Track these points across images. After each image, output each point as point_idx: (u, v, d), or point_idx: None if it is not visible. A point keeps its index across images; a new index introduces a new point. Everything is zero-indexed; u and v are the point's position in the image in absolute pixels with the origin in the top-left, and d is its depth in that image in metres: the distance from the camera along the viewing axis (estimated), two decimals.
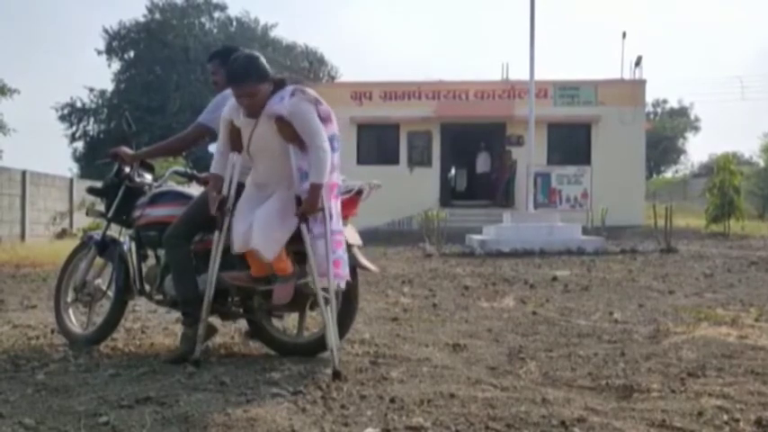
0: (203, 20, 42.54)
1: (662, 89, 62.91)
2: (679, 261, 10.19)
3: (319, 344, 3.81)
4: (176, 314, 4.78)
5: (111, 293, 4.24)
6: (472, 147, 22.27)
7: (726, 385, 3.21)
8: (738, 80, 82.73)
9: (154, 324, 4.92)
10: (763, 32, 79.58)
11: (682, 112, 47.97)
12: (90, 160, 33.24)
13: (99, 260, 4.35)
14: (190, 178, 4.43)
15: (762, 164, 29.30)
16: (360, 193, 3.82)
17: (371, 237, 14.11)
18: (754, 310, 5.42)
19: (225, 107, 3.65)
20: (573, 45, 76.66)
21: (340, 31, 72.82)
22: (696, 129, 47.74)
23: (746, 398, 3.01)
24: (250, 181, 3.67)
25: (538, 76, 15.50)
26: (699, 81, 79.94)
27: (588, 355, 3.88)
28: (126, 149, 4.20)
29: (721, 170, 18.19)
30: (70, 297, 4.39)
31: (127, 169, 4.21)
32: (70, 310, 4.41)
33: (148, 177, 4.32)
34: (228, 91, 3.95)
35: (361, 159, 21.44)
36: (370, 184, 3.83)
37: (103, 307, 4.33)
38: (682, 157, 47.59)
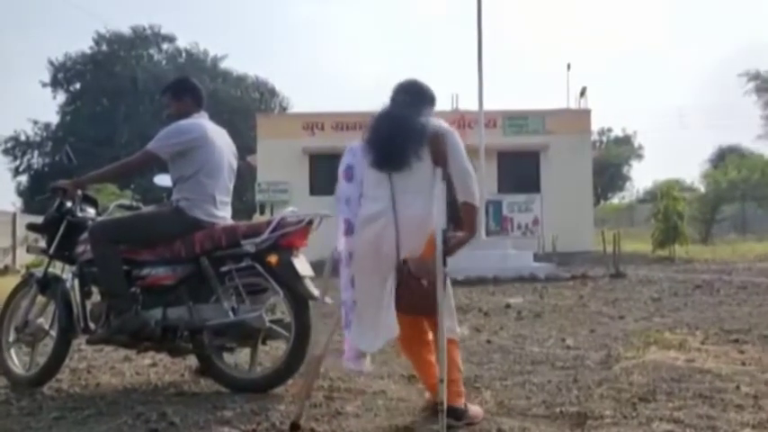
0: (151, 51, 42.24)
1: (606, 118, 64.76)
2: (628, 286, 10.38)
3: (272, 379, 3.75)
4: (124, 352, 4.66)
5: (54, 333, 4.10)
6: None
7: (676, 409, 3.27)
8: (678, 109, 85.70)
9: (100, 363, 4.75)
10: (703, 64, 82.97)
11: (626, 141, 49.33)
12: (34, 194, 32.36)
13: (41, 298, 4.20)
14: (134, 211, 4.35)
15: (702, 190, 30.30)
16: (310, 223, 3.80)
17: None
18: (700, 334, 5.55)
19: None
20: (520, 76, 78.58)
21: (290, 62, 73.01)
22: (640, 156, 49.15)
23: (696, 422, 3.06)
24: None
25: (487, 107, 15.77)
26: (641, 110, 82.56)
27: (542, 383, 3.91)
28: (66, 182, 4.10)
29: (665, 196, 18.71)
30: (12, 337, 4.24)
31: (68, 204, 4.10)
32: (12, 351, 4.25)
33: (91, 212, 4.22)
34: (187, 120, 3.93)
35: (315, 190, 21.35)
36: (320, 215, 3.83)
37: (47, 347, 4.17)
38: (627, 184, 48.86)
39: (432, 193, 3.13)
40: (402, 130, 3.17)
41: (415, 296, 3.04)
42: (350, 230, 3.21)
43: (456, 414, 3.05)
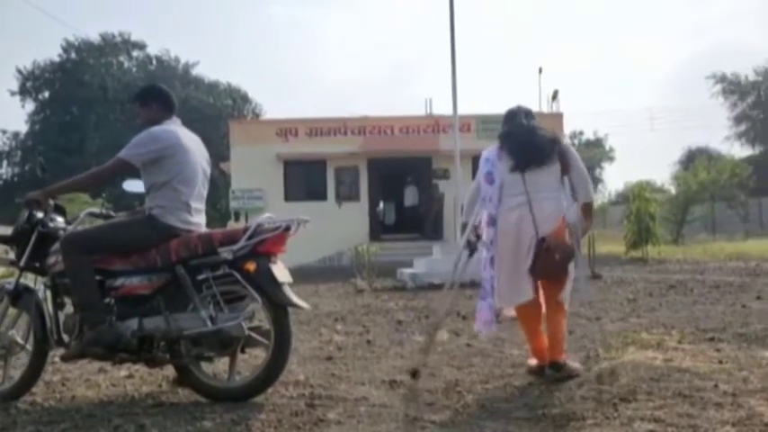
0: (122, 59, 41.87)
1: (577, 121, 65.66)
2: (603, 287, 10.47)
3: (252, 388, 3.70)
4: (99, 364, 4.57)
5: (28, 345, 4.00)
6: (399, 181, 22.47)
7: (656, 408, 3.29)
8: (647, 111, 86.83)
9: (75, 376, 4.66)
10: (669, 65, 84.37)
11: (597, 143, 49.92)
12: (3, 205, 31.81)
13: (12, 310, 4.10)
14: (105, 219, 4.27)
15: (673, 191, 30.72)
16: (287, 229, 3.76)
17: (303, 274, 13.91)
18: (676, 333, 5.61)
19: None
20: (493, 80, 79.24)
21: (263, 68, 72.81)
22: (611, 159, 49.75)
23: (677, 420, 3.08)
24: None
25: (461, 111, 15.85)
26: (611, 113, 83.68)
27: (523, 385, 3.91)
28: (37, 192, 4.00)
29: (636, 198, 18.91)
30: None
31: (39, 214, 4.00)
32: None
33: (61, 221, 4.12)
34: (159, 127, 3.87)
35: (289, 196, 21.29)
36: (297, 220, 3.79)
37: (20, 360, 4.08)
38: (600, 186, 49.41)
39: (557, 194, 4.10)
40: (539, 135, 4.17)
41: (551, 265, 3.95)
42: (492, 222, 4.15)
43: (557, 367, 3.94)
